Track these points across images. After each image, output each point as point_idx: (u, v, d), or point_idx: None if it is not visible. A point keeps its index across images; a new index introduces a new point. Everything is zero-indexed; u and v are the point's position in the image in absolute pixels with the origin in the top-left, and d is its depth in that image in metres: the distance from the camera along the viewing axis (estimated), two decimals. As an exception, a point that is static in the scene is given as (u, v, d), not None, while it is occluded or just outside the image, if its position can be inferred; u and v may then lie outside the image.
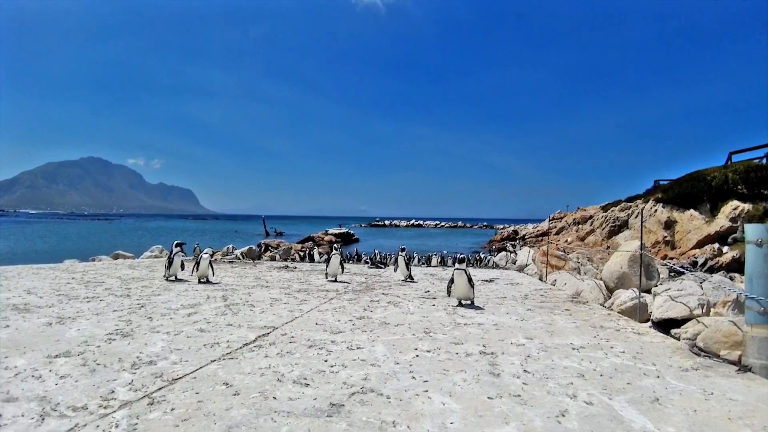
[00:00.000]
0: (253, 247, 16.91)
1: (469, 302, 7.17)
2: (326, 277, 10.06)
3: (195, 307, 6.30)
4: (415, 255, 19.53)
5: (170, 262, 8.90)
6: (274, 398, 3.15)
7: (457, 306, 6.98)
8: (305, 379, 3.55)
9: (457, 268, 7.14)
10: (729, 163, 22.48)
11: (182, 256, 9.20)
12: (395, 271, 11.23)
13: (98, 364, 3.80)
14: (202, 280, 8.83)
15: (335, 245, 10.57)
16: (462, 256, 7.61)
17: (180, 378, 3.53)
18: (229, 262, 14.11)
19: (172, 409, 2.95)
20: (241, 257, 15.67)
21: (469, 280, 7.05)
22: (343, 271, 10.20)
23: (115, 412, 2.90)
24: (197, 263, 8.86)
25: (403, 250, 10.82)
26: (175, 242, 9.25)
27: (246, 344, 4.52)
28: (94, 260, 13.68)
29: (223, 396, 3.18)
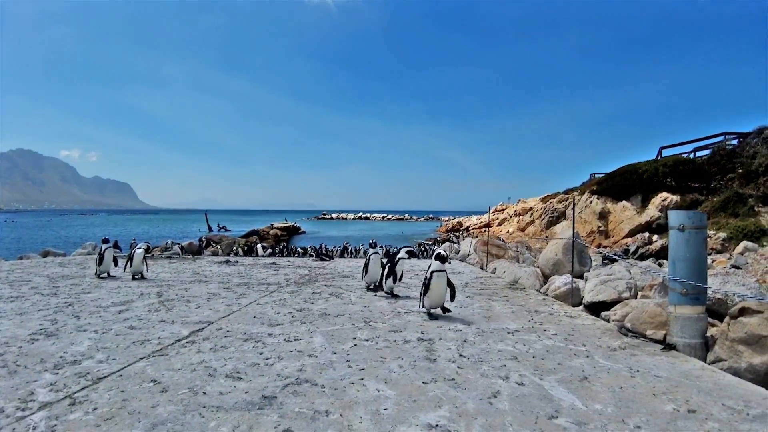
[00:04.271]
0: (194, 242, 16.42)
1: (440, 311, 5.66)
2: (367, 289, 7.52)
3: (126, 304, 6.03)
4: (361, 247, 19.53)
5: (101, 258, 8.48)
6: (204, 393, 3.04)
7: (430, 318, 5.48)
8: (238, 372, 3.46)
9: (437, 270, 5.44)
10: (659, 157, 23.72)
11: (114, 251, 8.79)
12: (365, 274, 7.50)
13: (19, 366, 3.57)
14: (136, 276, 8.47)
15: (372, 240, 7.91)
16: (442, 252, 5.72)
17: (105, 377, 3.36)
18: (168, 257, 13.64)
19: (94, 409, 2.80)
20: (180, 252, 15.17)
21: (449, 283, 5.56)
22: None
23: (33, 414, 2.73)
24: (130, 258, 8.49)
25: (374, 245, 7.76)
26: (103, 238, 8.84)
27: (178, 340, 4.35)
28: (21, 259, 12.92)
29: (150, 393, 3.04)
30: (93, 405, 2.87)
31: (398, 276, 6.89)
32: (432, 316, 5.53)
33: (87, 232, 50.29)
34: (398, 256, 6.92)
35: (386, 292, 7.00)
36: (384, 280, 6.97)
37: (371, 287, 7.48)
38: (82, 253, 14.64)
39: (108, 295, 6.75)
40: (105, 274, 8.65)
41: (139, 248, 8.57)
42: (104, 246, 8.56)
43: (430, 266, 5.53)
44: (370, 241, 7.91)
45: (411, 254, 7.25)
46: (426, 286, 5.50)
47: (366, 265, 7.50)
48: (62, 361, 3.71)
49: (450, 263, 12.18)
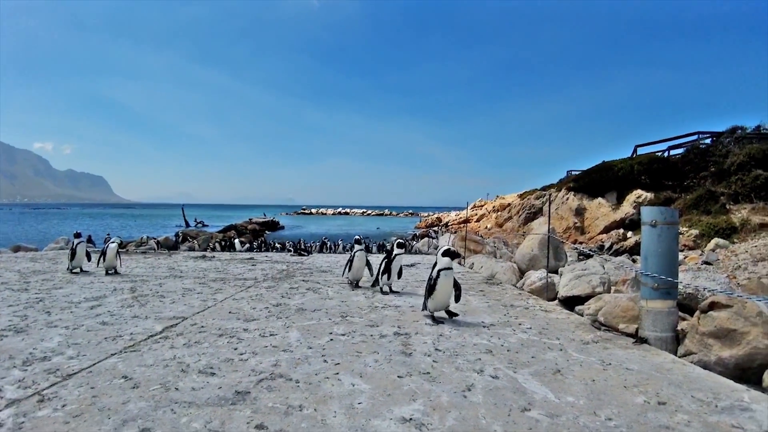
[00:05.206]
0: (170, 237, 16.19)
1: (443, 314, 5.19)
2: (351, 285, 7.29)
3: (99, 300, 5.92)
4: (340, 242, 19.47)
5: (73, 253, 8.31)
6: (176, 389, 3.00)
7: (434, 322, 4.99)
8: (212, 368, 3.41)
9: (444, 268, 4.91)
10: (634, 155, 24.08)
11: (87, 246, 8.62)
12: (348, 270, 7.32)
13: (-14, 363, 3.48)
14: (109, 272, 8.31)
15: (358, 237, 7.66)
16: (451, 248, 5.15)
17: (75, 373, 3.29)
18: (143, 252, 13.43)
19: (63, 406, 2.74)
20: (156, 247, 14.94)
21: (456, 283, 5.06)
22: (372, 273, 7.12)
23: (0, 411, 2.66)
24: (103, 253, 8.33)
25: (360, 241, 7.41)
26: (75, 232, 8.66)
27: (151, 336, 4.28)
28: (-8, 254, 12.61)
29: (121, 389, 2.99)
30: (62, 402, 2.81)
31: (396, 272, 6.70)
32: (436, 320, 5.04)
33: (61, 226, 49.23)
34: (394, 252, 6.69)
35: (383, 290, 6.81)
36: (380, 276, 6.76)
37: (355, 284, 7.27)
38: (55, 248, 14.33)
39: (80, 290, 6.62)
40: (77, 270, 8.48)
41: (113, 242, 8.41)
42: (76, 240, 8.38)
43: (435, 264, 5.04)
44: (356, 237, 7.58)
45: (401, 246, 6.99)
46: (432, 287, 4.96)
47: (350, 261, 7.23)
48: (31, 358, 3.62)
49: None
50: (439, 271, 4.89)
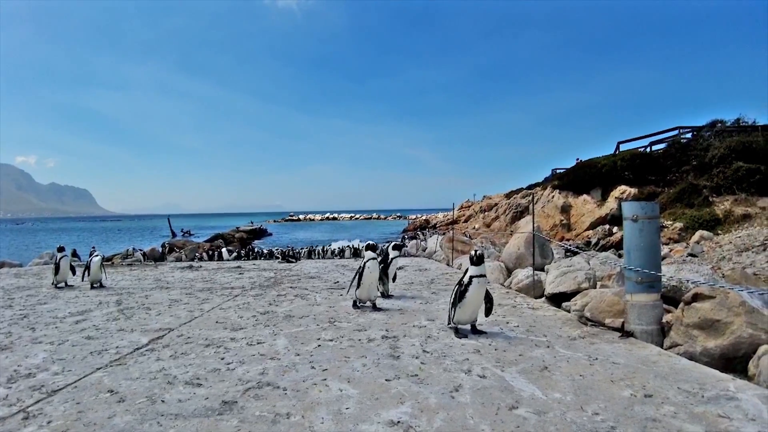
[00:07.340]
0: (156, 248, 16.05)
1: (467, 327, 4.62)
2: (355, 304, 5.93)
3: (84, 314, 5.85)
4: (327, 248, 19.39)
5: (57, 268, 8.20)
6: (163, 401, 2.97)
7: (456, 336, 4.46)
8: (198, 379, 3.39)
9: (478, 275, 4.38)
10: (617, 151, 24.32)
11: (71, 260, 8.52)
12: (357, 286, 5.82)
13: (-30, 381, 3.43)
14: (94, 285, 8.21)
15: (370, 242, 6.26)
16: (477, 251, 4.54)
17: (60, 389, 3.26)
18: (129, 264, 13.29)
19: (48, 422, 2.72)
20: (142, 259, 14.80)
21: (488, 295, 4.55)
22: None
23: (-16, 430, 2.63)
24: (88, 267, 8.23)
25: (372, 248, 6.01)
26: (58, 246, 8.56)
27: (137, 349, 4.24)
28: (-27, 271, 12.39)
29: (107, 404, 2.96)
30: (47, 418, 2.79)
31: (392, 276, 6.52)
32: (460, 333, 4.51)
33: (45, 240, 48.60)
34: (390, 255, 6.39)
35: (381, 293, 6.49)
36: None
37: (362, 303, 5.95)
38: (39, 262, 14.13)
39: (65, 305, 6.54)
40: (62, 284, 8.38)
41: (96, 256, 8.32)
42: (60, 255, 8.27)
43: (466, 270, 4.54)
44: (369, 243, 6.21)
45: (398, 248, 6.67)
46: (460, 294, 4.44)
47: (360, 275, 5.77)
48: (16, 375, 3.59)
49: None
50: (471, 277, 4.40)
